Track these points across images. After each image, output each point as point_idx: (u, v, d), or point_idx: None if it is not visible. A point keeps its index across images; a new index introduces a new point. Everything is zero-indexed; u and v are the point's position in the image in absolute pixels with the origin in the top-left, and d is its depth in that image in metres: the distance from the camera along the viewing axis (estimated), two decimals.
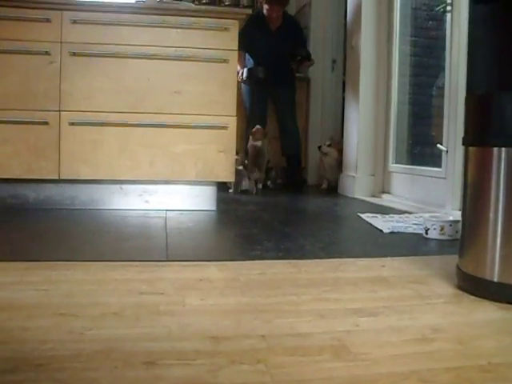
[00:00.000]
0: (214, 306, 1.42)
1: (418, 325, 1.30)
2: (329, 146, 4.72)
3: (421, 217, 2.83)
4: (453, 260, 1.74)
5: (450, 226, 2.41)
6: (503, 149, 1.51)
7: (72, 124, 3.03)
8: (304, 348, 1.14)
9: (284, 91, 4.76)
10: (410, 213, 3.19)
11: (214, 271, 1.77)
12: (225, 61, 3.10)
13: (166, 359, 1.07)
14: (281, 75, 4.66)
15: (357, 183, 4.17)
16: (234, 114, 3.15)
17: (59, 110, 3.02)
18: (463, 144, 1.68)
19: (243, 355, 1.10)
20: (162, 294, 1.52)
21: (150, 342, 1.16)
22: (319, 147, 4.79)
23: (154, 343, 1.16)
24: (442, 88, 3.45)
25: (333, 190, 4.56)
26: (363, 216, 2.99)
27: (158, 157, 3.10)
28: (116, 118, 3.05)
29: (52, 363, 1.04)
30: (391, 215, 3.07)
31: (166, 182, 3.17)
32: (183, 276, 1.71)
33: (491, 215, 1.51)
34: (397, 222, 2.82)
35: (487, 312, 1.43)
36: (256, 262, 1.90)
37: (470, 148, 1.63)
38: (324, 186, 4.79)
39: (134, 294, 1.50)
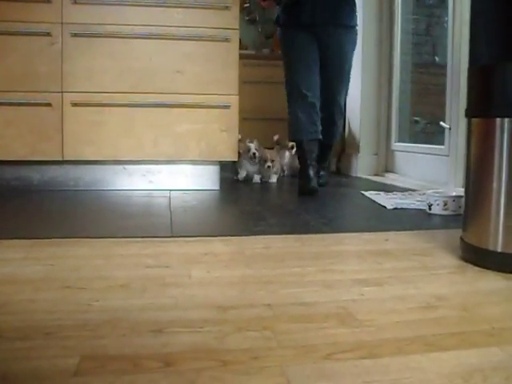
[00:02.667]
0: (219, 278, 1.43)
1: (422, 294, 1.31)
2: None
3: (424, 194, 2.83)
4: (456, 234, 1.74)
5: (453, 201, 2.41)
6: (506, 119, 1.51)
7: (75, 105, 3.02)
8: (309, 316, 1.15)
9: (337, 38, 3.21)
10: (413, 190, 3.19)
11: (219, 246, 1.78)
12: (226, 39, 3.09)
13: (173, 327, 1.08)
14: (334, 11, 3.17)
15: (360, 162, 4.17)
16: (237, 92, 3.14)
17: (61, 92, 3.01)
18: (466, 116, 1.68)
19: (249, 323, 1.11)
20: (168, 267, 1.53)
21: (156, 312, 1.18)
22: None
23: (161, 312, 1.17)
24: (444, 66, 3.44)
25: (331, 172, 4.49)
26: (366, 194, 2.99)
27: (161, 137, 3.10)
28: (118, 99, 3.05)
29: (60, 332, 1.06)
30: (394, 192, 3.07)
31: (170, 162, 3.17)
32: (188, 250, 1.72)
33: (494, 186, 1.51)
34: (400, 199, 2.83)
35: (491, 281, 1.43)
36: (260, 236, 1.91)
37: (473, 120, 1.63)
38: None
39: (140, 268, 1.51)
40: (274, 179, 3.68)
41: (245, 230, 2.04)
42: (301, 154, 3.20)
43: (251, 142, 3.65)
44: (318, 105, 3.21)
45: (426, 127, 4.03)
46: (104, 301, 1.24)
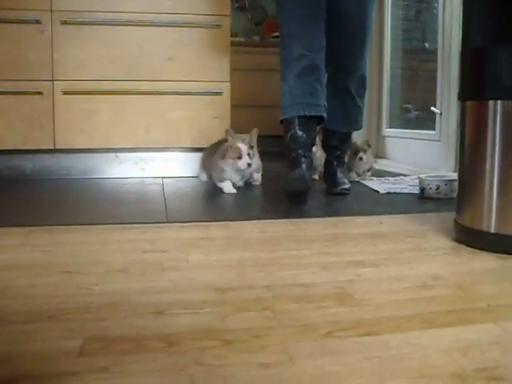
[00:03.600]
0: (217, 262, 1.45)
1: (418, 274, 1.33)
2: None
3: (416, 178, 2.84)
4: (449, 217, 1.76)
5: (446, 185, 2.43)
6: (499, 101, 1.52)
7: (66, 93, 3.02)
8: (308, 296, 1.17)
9: None
10: (405, 175, 3.21)
11: (215, 230, 1.79)
12: (218, 26, 3.09)
13: (174, 309, 1.10)
14: None
15: None
16: (228, 79, 3.14)
17: (52, 80, 3.00)
18: (459, 99, 1.69)
19: (249, 304, 1.12)
20: (165, 251, 1.54)
21: (156, 295, 1.19)
22: None
23: (161, 295, 1.18)
24: (434, 52, 3.45)
25: None
26: (358, 179, 3.00)
27: (153, 124, 3.10)
28: (110, 86, 3.04)
29: (63, 315, 1.06)
30: (386, 178, 3.09)
31: (162, 150, 3.17)
32: (184, 235, 1.73)
33: (488, 167, 1.53)
34: (393, 184, 2.85)
35: (485, 261, 1.45)
36: (255, 221, 1.93)
37: (467, 102, 1.64)
38: None
39: (137, 253, 1.52)
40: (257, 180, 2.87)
41: (240, 215, 2.05)
42: (290, 139, 2.27)
43: (243, 141, 2.57)
44: (322, 70, 2.32)
45: (416, 113, 4.05)
46: (104, 285, 1.25)
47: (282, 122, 2.37)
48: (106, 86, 3.04)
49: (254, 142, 2.68)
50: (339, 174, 2.62)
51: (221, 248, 1.58)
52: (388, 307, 1.11)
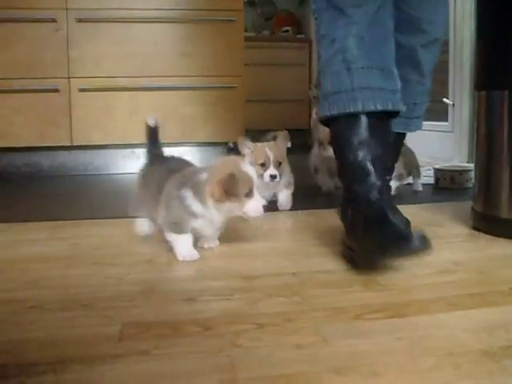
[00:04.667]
0: (241, 251, 1.48)
1: (439, 260, 1.36)
2: None
3: (430, 169, 2.87)
4: (465, 206, 1.79)
5: (460, 175, 2.46)
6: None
7: (82, 90, 3.06)
8: (335, 282, 1.20)
9: None
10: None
11: (236, 221, 1.82)
12: (230, 21, 3.12)
13: (205, 296, 1.13)
14: None
15: None
16: (242, 73, 3.17)
17: (68, 77, 3.04)
18: (475, 88, 1.71)
19: (278, 290, 1.16)
20: None
21: (186, 283, 1.23)
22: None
23: (190, 283, 1.22)
24: (445, 43, 3.47)
25: None
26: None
27: (167, 119, 3.13)
28: (125, 83, 3.08)
29: (97, 303, 1.10)
30: None
31: (177, 144, 3.20)
32: None
33: (505, 155, 1.55)
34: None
35: (504, 248, 1.48)
36: (276, 212, 1.96)
37: (482, 92, 1.67)
38: None
39: (162, 244, 1.55)
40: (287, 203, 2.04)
41: None
42: (351, 158, 1.33)
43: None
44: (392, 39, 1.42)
45: (429, 105, 4.05)
46: (134, 274, 1.29)
47: (326, 121, 1.46)
48: (121, 82, 3.08)
49: (284, 151, 2.04)
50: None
51: (244, 239, 1.61)
52: (413, 291, 1.14)
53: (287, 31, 5.22)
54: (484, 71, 1.67)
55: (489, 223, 1.62)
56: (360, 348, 0.87)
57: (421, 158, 3.54)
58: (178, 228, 1.39)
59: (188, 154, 3.21)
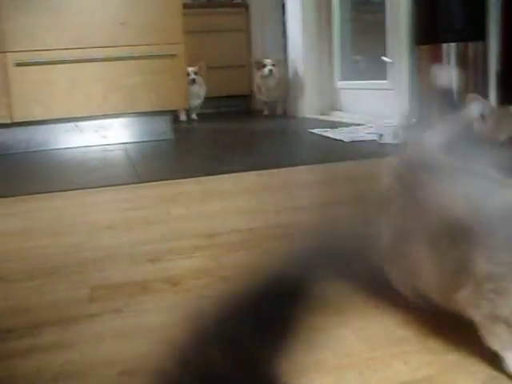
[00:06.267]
0: (198, 212, 1.51)
1: None
2: (272, 65, 4.41)
3: (370, 126, 2.95)
4: None
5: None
6: (452, 44, 1.61)
7: (19, 65, 2.98)
8: (291, 234, 1.25)
9: None
10: (358, 125, 3.30)
11: (190, 186, 1.86)
12: None
13: (168, 255, 1.16)
14: None
15: (305, 103, 4.26)
16: (182, 41, 3.16)
17: (4, 52, 2.96)
18: (414, 43, 1.77)
19: (237, 245, 1.20)
20: (146, 208, 1.59)
21: (148, 245, 1.25)
22: (261, 65, 4.38)
23: (153, 245, 1.25)
24: (381, 3, 3.53)
25: (276, 115, 4.51)
26: (315, 131, 3.09)
27: (110, 90, 3.10)
28: (64, 55, 3.02)
29: (63, 270, 1.12)
30: (341, 128, 3.17)
31: (121, 115, 3.18)
32: (161, 192, 1.78)
33: None
34: (350, 133, 2.94)
35: None
36: (227, 175, 1.99)
37: (421, 47, 1.73)
38: (266, 112, 4.58)
39: (119, 211, 1.57)
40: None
41: (210, 170, 2.10)
42: None
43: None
44: None
45: (368, 63, 4.13)
46: (94, 241, 1.31)
47: None
48: (60, 55, 3.02)
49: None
50: None
51: (199, 200, 1.64)
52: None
53: None
54: (421, 27, 1.73)
55: None
56: (323, 291, 0.92)
57: (362, 117, 3.63)
58: None
59: (133, 124, 3.20)
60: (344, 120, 3.70)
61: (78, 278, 1.07)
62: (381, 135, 2.56)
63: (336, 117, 3.97)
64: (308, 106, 4.25)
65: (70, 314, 0.90)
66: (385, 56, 3.45)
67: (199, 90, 4.34)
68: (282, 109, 4.55)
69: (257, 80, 4.51)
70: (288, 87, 4.53)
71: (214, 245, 1.21)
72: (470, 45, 1.59)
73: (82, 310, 0.91)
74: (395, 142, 2.50)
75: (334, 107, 4.22)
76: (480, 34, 1.57)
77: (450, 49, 1.61)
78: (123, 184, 1.93)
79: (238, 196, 1.67)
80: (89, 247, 1.26)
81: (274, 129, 3.64)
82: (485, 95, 1.55)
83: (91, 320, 0.87)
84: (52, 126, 3.12)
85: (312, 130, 3.13)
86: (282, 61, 4.59)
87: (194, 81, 4.13)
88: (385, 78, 3.52)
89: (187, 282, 1.00)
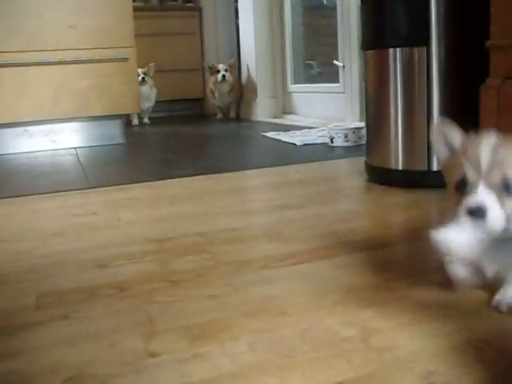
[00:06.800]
0: (148, 217, 1.51)
1: (337, 210, 1.45)
2: (225, 71, 4.44)
3: (323, 129, 2.98)
4: (359, 161, 1.90)
5: (353, 132, 2.58)
6: (398, 49, 1.65)
7: None
8: (240, 238, 1.26)
9: None
10: (311, 128, 3.34)
11: (140, 191, 1.85)
12: None
13: (117, 261, 1.16)
14: None
15: (258, 106, 4.28)
16: (133, 44, 3.14)
17: None
18: (362, 48, 1.81)
19: (187, 249, 1.20)
20: (95, 213, 1.58)
21: (97, 251, 1.24)
22: (215, 71, 4.39)
23: (102, 251, 1.24)
24: (333, 8, 3.58)
25: (230, 118, 4.52)
26: (268, 135, 3.11)
27: (60, 94, 3.06)
28: (12, 58, 2.97)
29: (9, 278, 1.10)
30: (293, 132, 3.20)
31: (71, 120, 3.14)
32: (111, 198, 1.77)
33: (392, 110, 1.66)
34: (303, 136, 2.96)
35: (396, 196, 1.59)
36: (177, 179, 1.99)
37: (368, 52, 1.76)
38: (219, 115, 4.60)
39: (68, 217, 1.56)
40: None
41: (160, 175, 2.10)
42: None
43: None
44: None
45: (318, 70, 4.18)
46: (43, 248, 1.29)
47: None
48: (8, 58, 2.96)
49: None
50: None
51: (149, 205, 1.64)
52: (314, 240, 1.21)
53: (176, 0, 5.19)
54: (368, 32, 1.76)
55: (381, 174, 1.73)
56: (268, 293, 0.93)
57: (315, 120, 3.68)
58: None
59: (84, 128, 3.17)
60: (297, 123, 3.73)
61: (26, 285, 1.06)
62: (332, 138, 2.60)
63: (289, 120, 4.01)
64: (261, 110, 4.27)
65: (16, 323, 0.89)
66: (337, 60, 3.50)
67: (150, 92, 4.34)
68: (235, 112, 4.57)
69: (210, 85, 4.51)
70: (241, 91, 4.55)
71: (163, 250, 1.21)
72: (415, 50, 1.62)
73: (28, 318, 0.90)
74: (345, 144, 2.54)
75: (287, 110, 4.25)
76: (424, 40, 1.60)
77: (395, 54, 1.64)
78: (73, 190, 1.91)
79: (188, 200, 1.67)
80: (37, 254, 1.25)
81: (226, 132, 3.66)
82: (429, 98, 1.60)
83: (37, 328, 0.86)
84: (0, 130, 3.06)
85: (264, 134, 3.15)
86: (235, 65, 4.61)
87: (143, 79, 4.15)
88: (337, 82, 3.57)
89: (136, 287, 1.00)
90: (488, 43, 1.37)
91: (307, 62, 4.23)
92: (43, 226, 1.49)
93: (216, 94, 4.44)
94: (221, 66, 4.37)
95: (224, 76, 4.33)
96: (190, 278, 1.03)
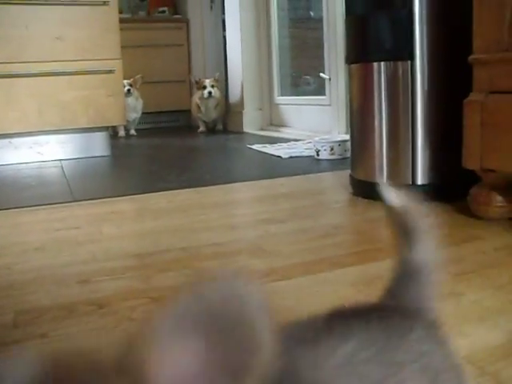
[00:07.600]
0: (130, 232, 1.50)
1: (321, 225, 1.44)
2: (212, 86, 4.40)
3: (309, 142, 2.98)
4: (344, 174, 1.90)
5: (339, 145, 2.58)
6: (382, 63, 1.65)
7: None
8: (223, 253, 1.25)
9: None
10: (297, 140, 3.34)
11: (124, 204, 1.84)
12: (105, 3, 3.06)
13: (98, 277, 1.14)
14: None
15: (245, 118, 4.28)
16: (119, 56, 3.13)
17: None
18: (346, 62, 1.81)
19: (168, 265, 1.19)
20: (78, 228, 1.57)
21: (78, 266, 1.23)
22: (201, 86, 4.35)
23: (83, 266, 1.22)
24: (319, 20, 3.59)
25: (216, 130, 4.48)
26: (254, 147, 3.10)
27: (46, 106, 3.05)
28: None
29: None
30: (279, 144, 3.20)
31: (57, 132, 3.12)
32: (94, 211, 1.76)
33: (376, 123, 1.66)
34: (289, 148, 2.97)
35: (380, 210, 1.57)
36: (162, 193, 1.98)
37: (353, 65, 1.76)
38: (202, 128, 4.50)
39: (50, 232, 1.54)
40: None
41: (145, 188, 2.09)
42: None
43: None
44: None
45: (306, 80, 4.19)
46: (23, 263, 1.27)
47: None
48: None
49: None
50: None
51: (132, 219, 1.63)
52: (296, 255, 1.21)
53: (164, 12, 5.20)
54: (353, 46, 1.77)
55: (366, 188, 1.73)
56: None
57: (301, 132, 3.68)
58: None
59: (69, 140, 3.15)
60: (283, 135, 3.73)
61: (4, 302, 1.04)
62: (318, 151, 2.60)
63: (275, 132, 4.01)
64: (248, 122, 4.27)
65: None
66: (323, 72, 3.52)
67: (136, 104, 4.34)
68: (222, 124, 4.56)
69: (195, 99, 4.47)
70: (228, 104, 4.55)
71: (144, 265, 1.20)
72: (399, 64, 1.63)
73: (4, 337, 0.89)
74: (331, 157, 2.55)
75: (274, 123, 4.26)
76: (409, 54, 1.61)
77: (379, 68, 1.65)
78: (56, 203, 1.90)
79: (172, 214, 1.66)
80: (17, 269, 1.23)
81: (212, 145, 3.66)
82: (413, 112, 1.60)
83: (15, 347, 0.85)
84: None
85: (251, 146, 3.14)
86: (222, 77, 4.61)
87: (129, 91, 4.15)
88: (323, 94, 3.58)
89: (115, 303, 0.99)
90: (471, 58, 1.38)
91: (304, 76, 4.22)
92: (24, 240, 1.47)
93: (202, 109, 4.41)
94: (207, 82, 4.33)
95: (210, 93, 4.30)
96: (171, 295, 1.01)
